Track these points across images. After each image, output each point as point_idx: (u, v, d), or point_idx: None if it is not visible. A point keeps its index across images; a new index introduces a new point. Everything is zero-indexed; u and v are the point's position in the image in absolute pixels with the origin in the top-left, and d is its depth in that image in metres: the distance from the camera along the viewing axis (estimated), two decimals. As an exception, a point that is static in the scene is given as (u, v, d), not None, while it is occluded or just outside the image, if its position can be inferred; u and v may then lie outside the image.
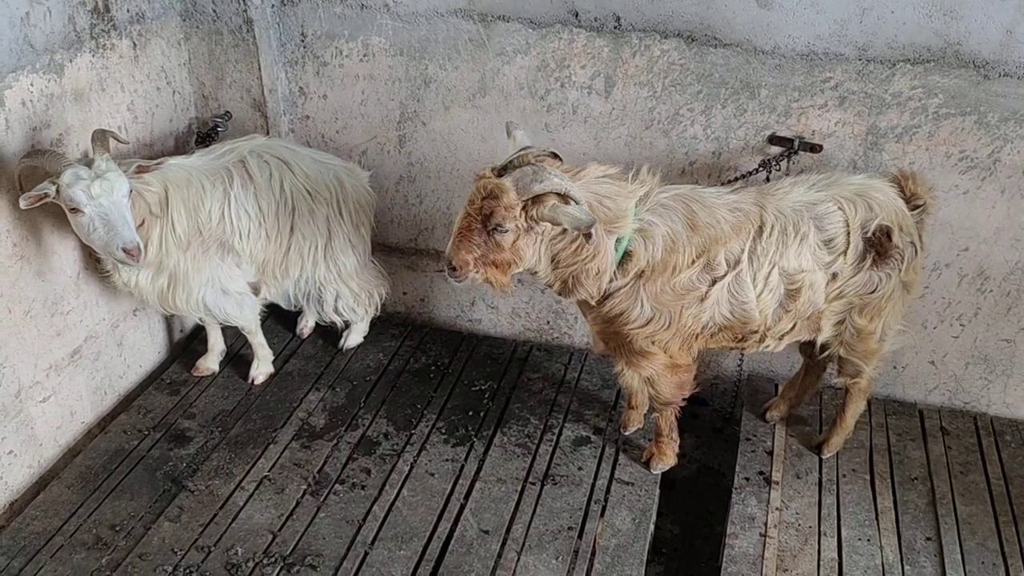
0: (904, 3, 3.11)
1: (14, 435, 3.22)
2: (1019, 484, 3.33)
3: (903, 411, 3.71)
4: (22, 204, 2.84)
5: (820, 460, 3.43)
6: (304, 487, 3.29)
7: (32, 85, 3.05)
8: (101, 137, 2.99)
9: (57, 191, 2.88)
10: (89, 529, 3.08)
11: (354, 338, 4.05)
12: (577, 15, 3.46)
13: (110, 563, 2.95)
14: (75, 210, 2.91)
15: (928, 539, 3.10)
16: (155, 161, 3.20)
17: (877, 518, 3.18)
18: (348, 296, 3.79)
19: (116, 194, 2.92)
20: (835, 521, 3.17)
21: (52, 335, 3.33)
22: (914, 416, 3.68)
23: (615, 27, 3.46)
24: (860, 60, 3.25)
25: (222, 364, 3.90)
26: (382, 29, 3.70)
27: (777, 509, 3.20)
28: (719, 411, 4.08)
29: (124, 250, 2.94)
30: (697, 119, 3.52)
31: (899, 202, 2.95)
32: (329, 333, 4.10)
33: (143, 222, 3.15)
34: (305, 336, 4.12)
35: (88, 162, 2.93)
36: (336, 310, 3.82)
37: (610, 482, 3.34)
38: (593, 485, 3.32)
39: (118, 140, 3.12)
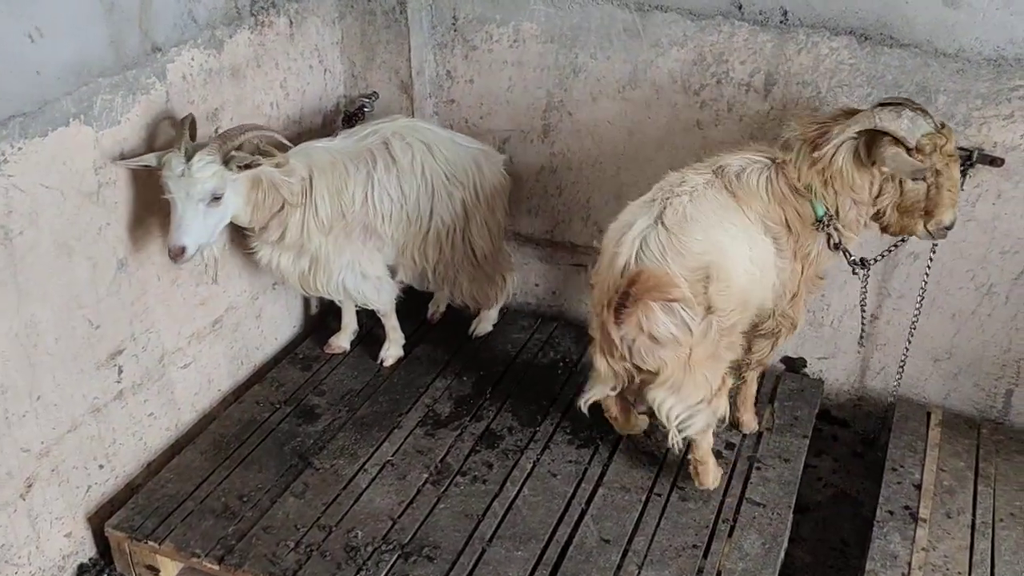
0: (1117, 6, 2.80)
1: (156, 398, 3.33)
2: None
3: (1072, 453, 3.39)
4: (117, 164, 2.88)
5: (975, 500, 3.16)
6: (426, 475, 3.27)
7: (193, 60, 3.11)
8: (191, 125, 2.95)
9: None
10: (219, 497, 3.15)
11: (484, 326, 4.01)
12: (741, 7, 3.28)
13: (236, 532, 3.01)
14: None
15: (1095, 600, 2.82)
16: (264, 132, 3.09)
17: (1037, 571, 2.90)
18: (483, 280, 3.75)
19: (192, 197, 2.89)
20: (989, 570, 2.91)
21: (196, 304, 3.42)
22: (1085, 460, 3.35)
23: (781, 21, 3.25)
24: (1057, 68, 2.95)
25: (353, 343, 3.93)
26: (534, 15, 3.61)
27: (923, 549, 2.97)
28: (860, 433, 3.83)
29: (168, 248, 2.92)
30: (864, 123, 3.28)
31: None
32: (459, 320, 4.06)
33: (282, 207, 3.17)
34: (436, 321, 4.11)
35: (196, 148, 2.90)
36: (471, 294, 3.78)
37: (740, 501, 3.18)
38: (722, 503, 3.17)
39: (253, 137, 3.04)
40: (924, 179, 2.77)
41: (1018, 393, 3.50)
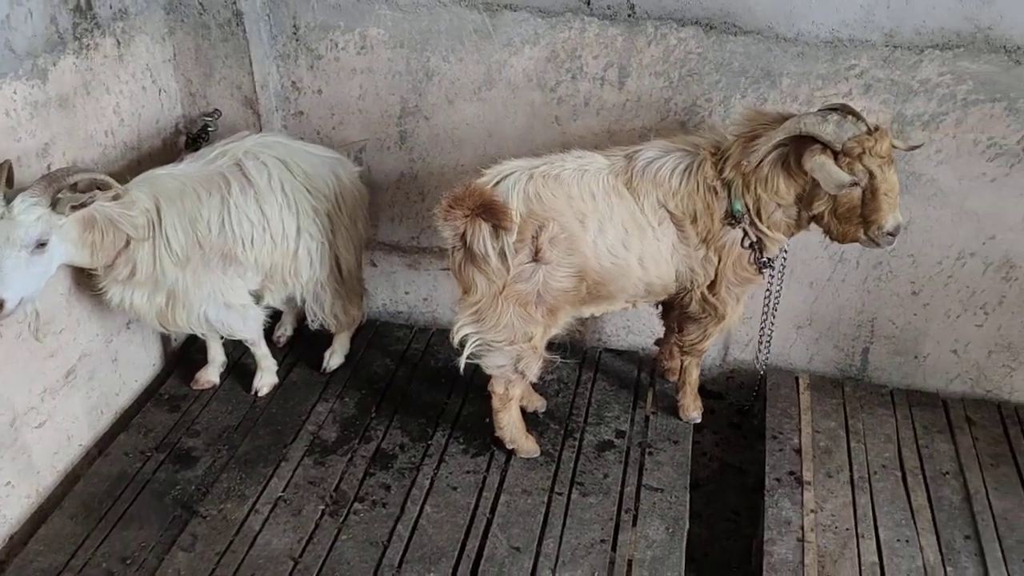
0: (934, -13, 3.01)
1: (11, 465, 3.03)
2: (1052, 476, 3.29)
3: (926, 401, 3.66)
4: None
5: (850, 456, 3.36)
6: (322, 507, 3.14)
7: (16, 93, 2.83)
8: (8, 172, 2.70)
9: None
10: (98, 563, 2.91)
11: (336, 358, 3.82)
12: (589, 3, 3.31)
13: (124, 600, 2.80)
14: None
15: (967, 537, 3.05)
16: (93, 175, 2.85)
17: (913, 517, 3.12)
18: (345, 297, 3.61)
19: (13, 244, 2.63)
20: (871, 522, 3.10)
21: (45, 356, 3.13)
22: (938, 407, 3.63)
23: (629, 15, 3.30)
24: (887, 46, 3.14)
25: (223, 376, 3.72)
26: (380, 20, 3.51)
27: (812, 511, 3.13)
28: (736, 404, 4.00)
29: None
30: (716, 110, 3.39)
31: None
32: (328, 339, 3.88)
33: (127, 242, 2.96)
34: (281, 345, 3.92)
35: (16, 192, 2.65)
36: (333, 312, 3.61)
37: (638, 489, 3.24)
38: (622, 493, 3.22)
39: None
40: (858, 183, 2.71)
41: (873, 350, 3.74)
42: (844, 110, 2.74)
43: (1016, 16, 2.99)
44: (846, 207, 2.78)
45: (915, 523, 3.09)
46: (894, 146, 2.78)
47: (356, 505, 3.16)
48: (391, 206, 3.94)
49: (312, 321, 3.64)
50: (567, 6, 3.33)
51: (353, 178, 3.55)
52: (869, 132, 2.69)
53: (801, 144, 2.75)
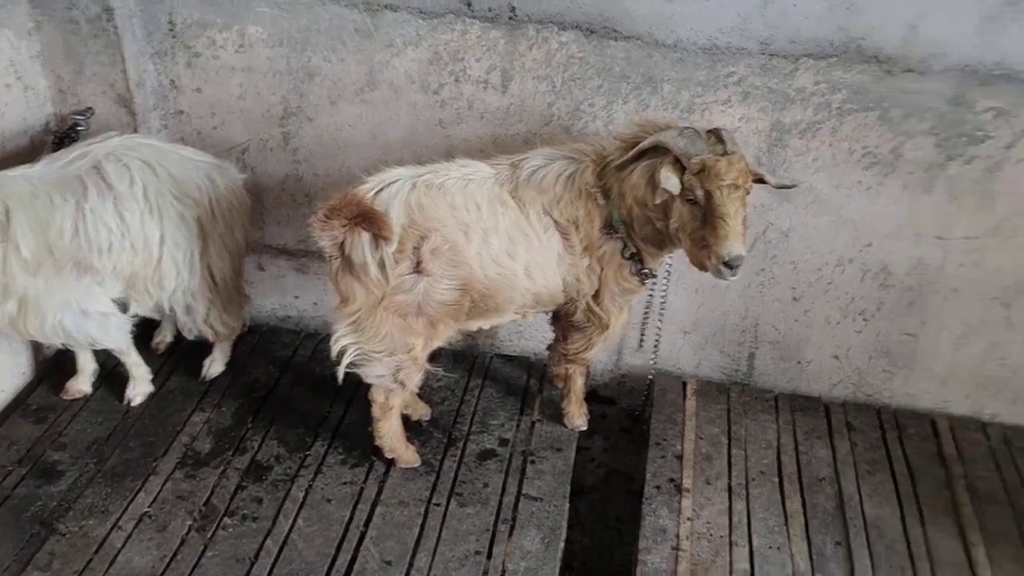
0: (807, -4, 3.02)
1: None
2: (925, 482, 3.33)
3: (809, 406, 3.69)
4: None
5: (730, 463, 3.37)
6: (189, 523, 3.04)
7: None
8: None
9: None
10: (-56, 586, 2.78)
11: (216, 366, 3.70)
12: (470, 4, 3.25)
13: (-31, 625, 2.67)
14: None
15: (837, 544, 3.08)
16: None
17: (787, 524, 3.13)
18: (222, 306, 3.47)
19: None
20: (746, 529, 3.11)
21: None
22: (820, 412, 3.66)
23: (510, 18, 3.26)
24: (763, 54, 3.15)
25: (95, 385, 3.58)
26: (259, 17, 3.40)
27: (689, 519, 3.13)
28: (627, 409, 3.99)
29: None
30: (599, 115, 3.36)
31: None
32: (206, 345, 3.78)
33: None
34: (160, 352, 3.79)
35: None
36: (209, 323, 3.48)
37: (517, 498, 3.20)
38: (500, 503, 3.18)
39: None
40: (695, 201, 2.65)
41: (758, 355, 3.76)
42: (713, 132, 2.71)
43: (886, 28, 3.02)
44: (690, 227, 2.71)
45: (788, 530, 3.11)
46: (760, 180, 2.76)
47: (226, 520, 3.06)
48: (277, 208, 3.83)
49: (188, 332, 3.51)
50: (448, 7, 3.27)
51: (232, 184, 3.42)
52: (723, 155, 2.64)
53: (665, 157, 2.74)
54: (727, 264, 2.63)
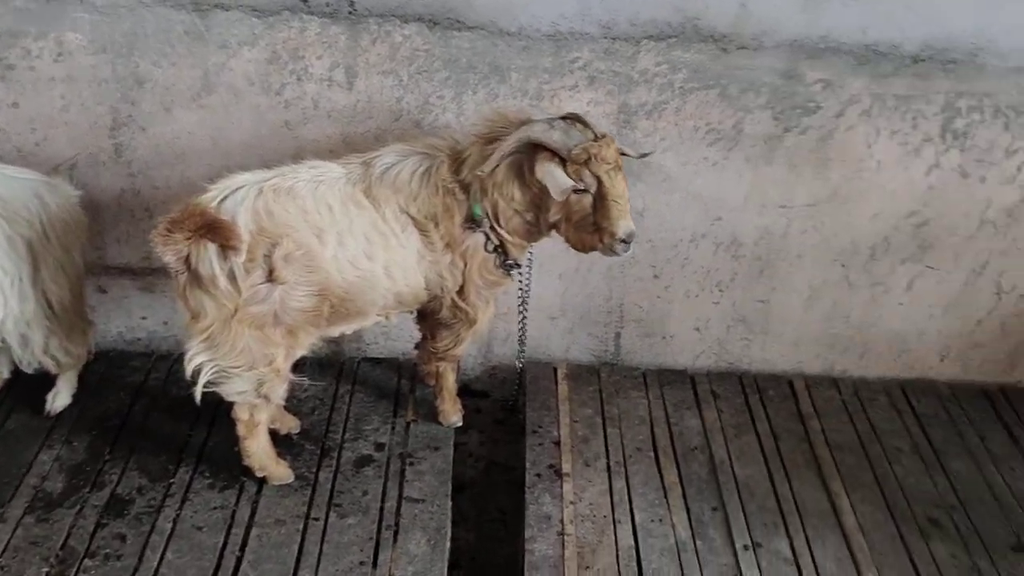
0: (642, -21, 3.08)
1: None
2: (786, 440, 3.50)
3: (676, 379, 3.80)
4: None
5: (606, 443, 3.42)
6: (46, 569, 2.81)
7: None
8: None
9: None
10: None
11: (62, 398, 3.43)
12: (307, 1, 3.14)
13: None
14: None
15: (714, 509, 3.18)
16: None
17: (666, 496, 3.21)
18: (62, 335, 3.21)
19: None
20: (628, 506, 3.17)
21: None
22: (686, 383, 3.78)
23: (350, 12, 3.17)
24: (605, 38, 3.20)
25: (-77, 433, 3.27)
26: (77, 24, 3.18)
27: (571, 503, 3.15)
28: (500, 401, 3.98)
29: None
30: (448, 107, 3.33)
31: None
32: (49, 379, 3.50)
33: None
34: None
35: None
36: (48, 353, 3.22)
37: (399, 502, 3.14)
38: (382, 509, 3.10)
39: None
40: (586, 190, 2.70)
41: (624, 334, 3.84)
42: (572, 118, 2.74)
43: (719, 6, 3.12)
44: (579, 215, 2.76)
45: (667, 502, 3.19)
46: (623, 153, 2.80)
47: (86, 562, 2.85)
48: (115, 226, 3.60)
49: (26, 365, 3.24)
50: (284, 4, 3.15)
51: (65, 202, 3.17)
52: (596, 139, 2.68)
53: (534, 151, 2.73)
54: (624, 241, 2.72)
